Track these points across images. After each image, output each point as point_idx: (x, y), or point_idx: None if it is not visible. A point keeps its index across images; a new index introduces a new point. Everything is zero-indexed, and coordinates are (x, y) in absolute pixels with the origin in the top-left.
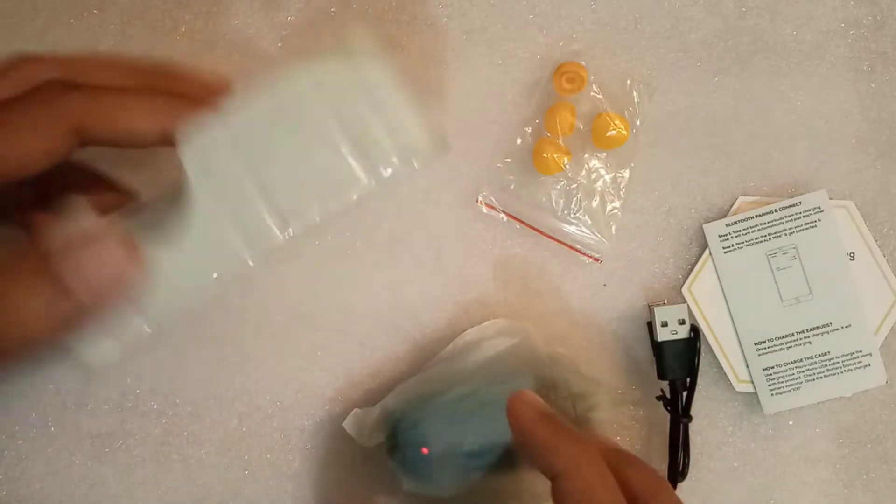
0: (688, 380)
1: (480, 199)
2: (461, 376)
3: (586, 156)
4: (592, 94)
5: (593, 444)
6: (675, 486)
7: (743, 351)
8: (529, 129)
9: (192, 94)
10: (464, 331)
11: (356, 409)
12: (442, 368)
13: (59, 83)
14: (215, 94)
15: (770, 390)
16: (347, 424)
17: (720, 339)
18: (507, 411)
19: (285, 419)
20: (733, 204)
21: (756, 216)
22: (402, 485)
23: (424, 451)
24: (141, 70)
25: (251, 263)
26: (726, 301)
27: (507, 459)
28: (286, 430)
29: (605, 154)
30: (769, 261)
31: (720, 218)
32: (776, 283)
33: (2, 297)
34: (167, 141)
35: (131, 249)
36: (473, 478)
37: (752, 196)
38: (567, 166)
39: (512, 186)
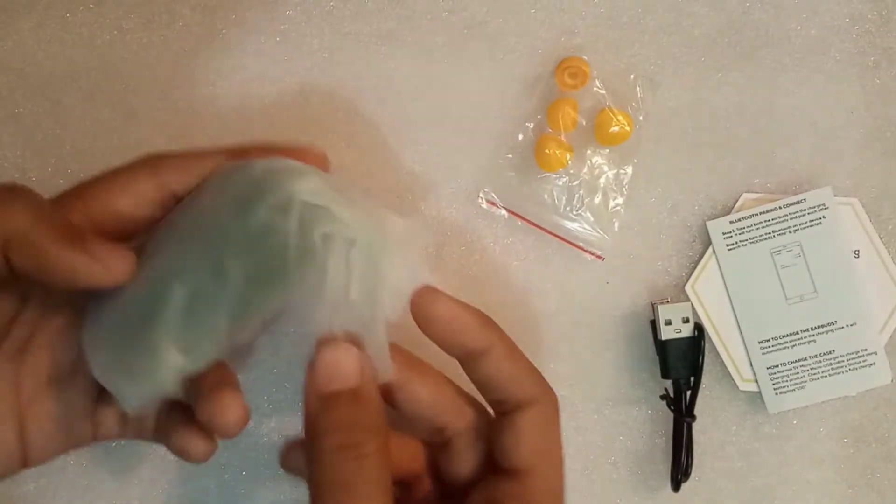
0: (692, 379)
1: (482, 195)
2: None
3: (589, 152)
4: (595, 89)
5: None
6: (678, 486)
7: (747, 349)
8: (531, 125)
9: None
10: None
11: None
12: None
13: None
14: (312, 159)
15: (774, 389)
16: None
17: (724, 338)
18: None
19: (283, 419)
20: (737, 201)
21: (760, 213)
22: None
23: None
24: (244, 148)
25: None
26: (730, 299)
27: None
28: (284, 431)
29: (607, 150)
30: (773, 258)
31: (724, 215)
32: (780, 280)
33: None
34: None
35: None
36: None
37: (757, 193)
38: (569, 162)
39: (513, 183)
